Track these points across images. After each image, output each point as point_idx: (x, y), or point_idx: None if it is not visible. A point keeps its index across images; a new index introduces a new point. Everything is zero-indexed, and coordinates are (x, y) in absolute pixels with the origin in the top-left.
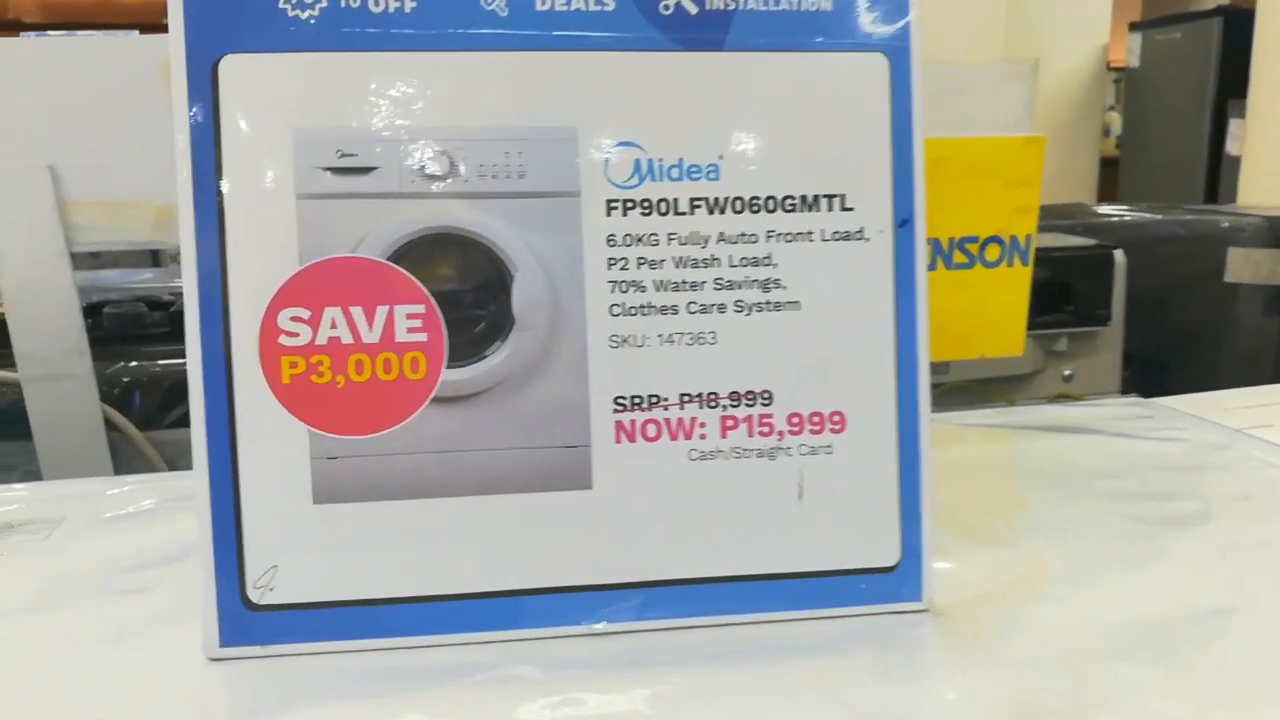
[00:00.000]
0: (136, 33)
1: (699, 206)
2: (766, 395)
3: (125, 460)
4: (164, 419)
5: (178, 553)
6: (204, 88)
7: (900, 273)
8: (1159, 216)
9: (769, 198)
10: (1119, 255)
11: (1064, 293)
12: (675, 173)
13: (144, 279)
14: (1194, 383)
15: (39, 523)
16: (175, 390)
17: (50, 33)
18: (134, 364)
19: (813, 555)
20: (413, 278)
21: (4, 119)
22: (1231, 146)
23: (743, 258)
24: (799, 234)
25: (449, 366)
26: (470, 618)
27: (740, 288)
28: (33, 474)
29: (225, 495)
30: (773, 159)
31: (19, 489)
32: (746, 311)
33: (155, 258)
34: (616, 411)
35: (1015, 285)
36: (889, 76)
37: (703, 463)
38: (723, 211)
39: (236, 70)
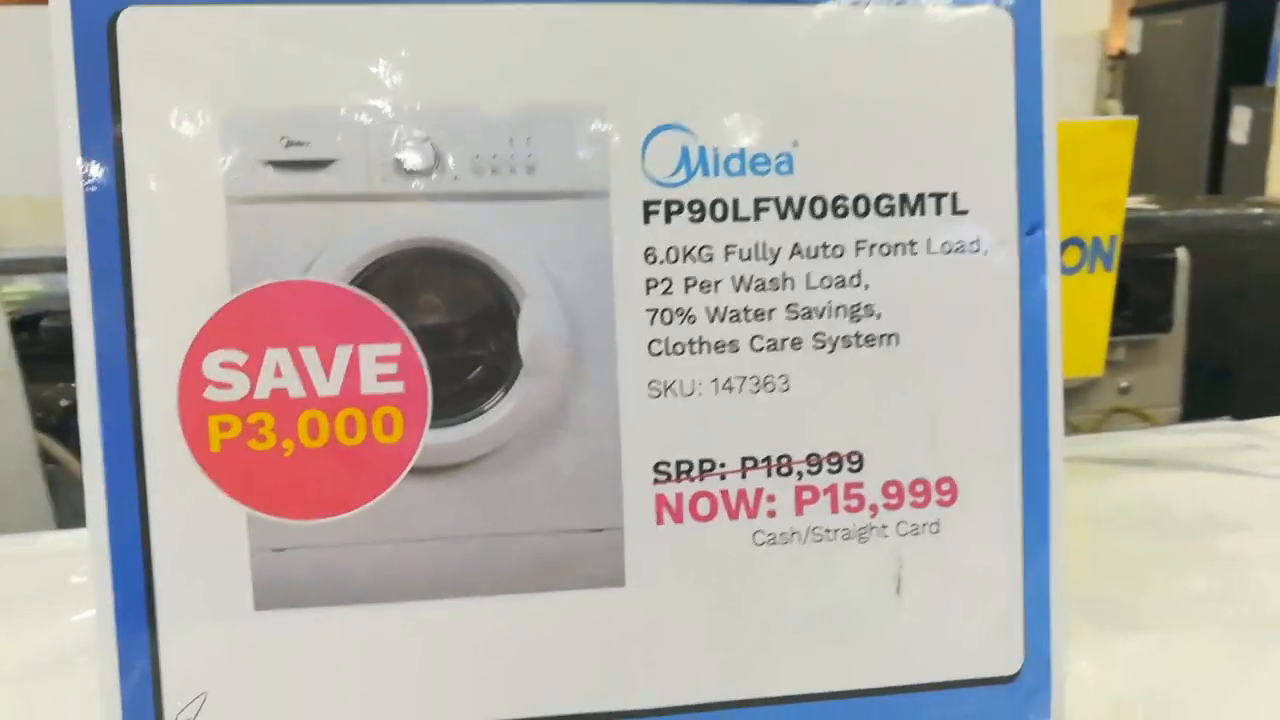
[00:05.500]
0: None
1: (766, 209)
2: (855, 458)
3: (65, 494)
4: None
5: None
6: (96, 52)
7: (1027, 297)
8: (1220, 211)
9: (859, 198)
10: (1181, 254)
11: (1121, 296)
12: (735, 165)
13: None
14: (1262, 395)
15: None
16: None
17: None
18: (74, 384)
19: (913, 665)
20: (385, 308)
21: None
22: (1236, 134)
23: (824, 277)
24: (897, 246)
25: (433, 426)
26: None
27: (821, 316)
28: None
29: (135, 602)
30: (863, 147)
31: None
32: (829, 348)
33: None
34: (658, 482)
35: (1097, 294)
36: (1013, 41)
37: (772, 548)
38: (798, 216)
39: (141, 28)
